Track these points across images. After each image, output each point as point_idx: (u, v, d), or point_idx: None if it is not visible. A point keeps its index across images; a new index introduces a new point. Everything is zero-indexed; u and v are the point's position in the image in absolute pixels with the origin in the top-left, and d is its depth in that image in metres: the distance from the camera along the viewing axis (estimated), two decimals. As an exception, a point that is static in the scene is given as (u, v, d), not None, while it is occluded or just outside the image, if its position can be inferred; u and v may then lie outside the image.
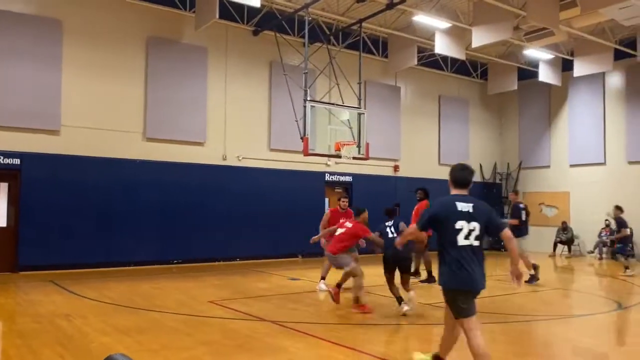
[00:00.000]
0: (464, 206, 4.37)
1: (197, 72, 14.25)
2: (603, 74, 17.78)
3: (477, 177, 20.38)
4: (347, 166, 16.19)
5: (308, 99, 12.59)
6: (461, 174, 4.59)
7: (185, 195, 13.80)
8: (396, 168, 18.19)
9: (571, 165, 19.02)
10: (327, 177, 16.57)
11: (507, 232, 4.42)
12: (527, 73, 18.95)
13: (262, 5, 13.09)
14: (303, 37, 13.69)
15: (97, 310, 7.64)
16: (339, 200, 10.62)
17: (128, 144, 13.22)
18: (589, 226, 17.84)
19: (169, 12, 13.90)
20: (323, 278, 9.80)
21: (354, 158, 13.18)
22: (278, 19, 14.86)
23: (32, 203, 11.87)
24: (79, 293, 9.11)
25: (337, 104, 13.43)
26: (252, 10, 14.62)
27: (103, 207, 12.70)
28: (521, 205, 11.63)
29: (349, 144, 12.94)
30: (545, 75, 17.91)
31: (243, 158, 14.99)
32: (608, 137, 18.06)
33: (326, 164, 16.36)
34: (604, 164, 18.12)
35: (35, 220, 11.86)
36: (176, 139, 13.90)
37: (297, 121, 12.93)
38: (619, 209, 13.31)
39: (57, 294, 9.10)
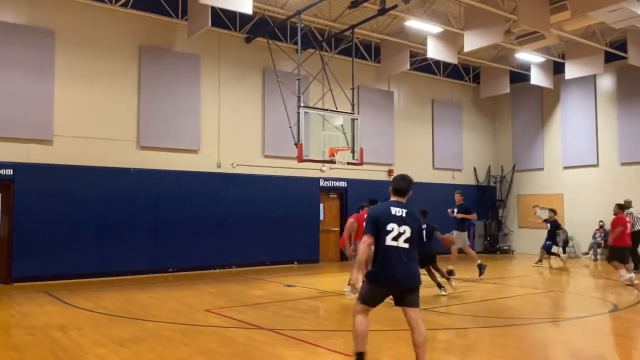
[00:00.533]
0: (397, 211, 4.87)
1: (190, 79, 14.24)
2: (594, 76, 17.90)
3: (471, 181, 20.54)
4: (342, 171, 16.21)
5: (301, 105, 12.61)
6: (400, 184, 5.07)
7: (180, 203, 13.76)
8: (390, 172, 18.20)
9: (564, 167, 19.10)
10: (322, 183, 16.57)
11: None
12: (519, 76, 19.06)
13: (254, 12, 13.11)
14: (296, 43, 13.72)
15: (93, 321, 7.59)
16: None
17: (122, 152, 13.17)
18: (583, 227, 17.90)
19: (161, 20, 13.90)
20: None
21: (349, 163, 13.19)
22: (270, 26, 14.88)
23: (25, 213, 11.80)
24: (73, 304, 9.05)
25: (330, 110, 13.46)
26: (244, 18, 14.64)
27: (97, 216, 12.63)
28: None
29: (343, 150, 12.95)
30: (537, 78, 18.01)
31: (237, 165, 14.97)
32: (600, 139, 18.17)
33: (320, 169, 16.36)
34: (597, 165, 18.21)
35: (29, 230, 11.78)
36: (170, 147, 13.87)
37: (290, 127, 12.94)
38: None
39: (51, 305, 9.04)
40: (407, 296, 4.88)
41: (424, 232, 8.29)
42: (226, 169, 14.78)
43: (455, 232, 12.12)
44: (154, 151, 13.64)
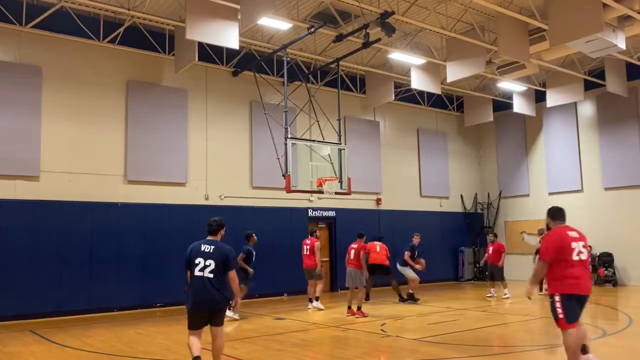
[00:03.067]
0: (205, 247, 6.10)
1: (177, 113, 14.34)
2: (575, 104, 18.29)
3: (458, 208, 20.68)
4: (330, 201, 16.25)
5: (289, 136, 12.72)
6: (210, 226, 6.32)
7: (168, 237, 13.67)
8: (378, 201, 18.30)
9: (550, 193, 19.32)
10: (310, 213, 16.59)
11: (232, 273, 6.08)
12: (502, 105, 19.43)
13: (240, 46, 13.31)
14: (282, 76, 13.90)
15: (79, 360, 7.46)
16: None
17: (109, 187, 13.14)
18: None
19: (148, 55, 14.05)
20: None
21: (337, 193, 13.24)
22: (257, 60, 15.10)
23: (10, 250, 11.63)
24: (60, 342, 8.89)
25: (317, 141, 13.58)
26: (231, 52, 14.85)
27: (84, 252, 12.50)
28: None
29: (330, 180, 13.02)
30: (520, 106, 18.37)
31: (225, 197, 14.97)
32: (584, 165, 18.46)
33: (309, 199, 16.42)
34: (581, 191, 18.47)
35: (13, 267, 11.59)
36: (158, 181, 13.86)
37: (278, 159, 13.02)
38: None
39: (37, 344, 8.87)
40: (213, 316, 6.03)
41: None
42: (214, 201, 14.77)
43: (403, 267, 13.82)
44: (142, 185, 13.61)
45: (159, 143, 13.90)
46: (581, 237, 5.80)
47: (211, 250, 6.03)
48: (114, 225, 12.96)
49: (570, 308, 5.68)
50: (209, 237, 6.25)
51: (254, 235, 11.91)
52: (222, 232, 6.39)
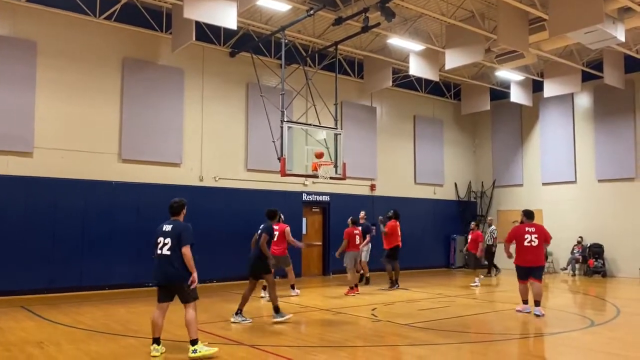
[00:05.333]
0: (166, 227, 6.51)
1: (173, 93, 14.23)
2: (572, 95, 18.30)
3: (452, 196, 20.75)
4: (325, 186, 16.26)
5: (285, 119, 12.66)
6: (171, 207, 6.75)
7: (161, 217, 13.56)
8: (373, 187, 18.32)
9: (543, 184, 19.42)
10: (305, 197, 16.60)
11: (184, 249, 6.30)
12: (499, 94, 19.40)
13: (238, 27, 13.18)
14: (280, 58, 13.81)
15: (71, 337, 7.48)
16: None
17: (103, 165, 13.07)
18: (561, 243, 18.16)
19: (145, 33, 13.90)
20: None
21: (331, 178, 13.22)
22: (255, 41, 14.98)
23: (2, 226, 11.60)
24: (51, 319, 8.91)
25: (314, 125, 13.52)
26: (228, 32, 14.72)
27: (77, 229, 12.49)
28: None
29: (326, 164, 13.00)
30: (517, 95, 18.36)
31: (220, 179, 14.94)
32: (578, 156, 18.53)
33: (303, 184, 16.41)
34: (575, 182, 18.55)
35: (5, 243, 11.58)
36: (152, 160, 13.80)
37: (274, 142, 12.98)
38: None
39: (28, 320, 8.89)
40: (176, 292, 6.44)
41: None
42: (208, 182, 14.74)
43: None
44: (136, 164, 13.56)
45: (154, 122, 13.81)
46: (537, 231, 9.56)
47: (169, 229, 6.43)
48: (107, 204, 12.93)
49: (520, 272, 9.78)
50: (171, 218, 6.68)
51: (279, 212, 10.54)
52: (184, 211, 6.80)
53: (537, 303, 9.50)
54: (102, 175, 12.99)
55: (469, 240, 15.31)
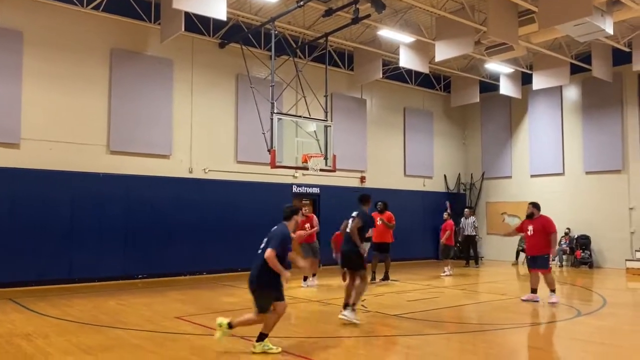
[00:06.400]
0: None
1: (162, 84, 14.12)
2: (560, 88, 18.39)
3: (441, 188, 20.84)
4: (315, 178, 16.25)
5: (275, 111, 12.64)
6: (284, 211, 6.64)
7: (151, 209, 13.60)
8: (363, 179, 18.35)
9: (532, 176, 19.55)
10: (295, 189, 16.59)
11: (267, 252, 6.06)
12: (489, 86, 19.46)
13: (228, 18, 13.08)
14: (269, 50, 13.74)
15: (60, 329, 7.44)
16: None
17: (91, 157, 12.96)
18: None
19: (133, 23, 13.76)
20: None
21: (321, 170, 13.26)
22: (244, 32, 14.88)
23: (-10, 218, 11.51)
24: (39, 311, 8.86)
25: (304, 117, 13.52)
26: (218, 23, 14.60)
27: (65, 221, 12.38)
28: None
29: (316, 156, 13.01)
30: (506, 88, 18.42)
31: (209, 171, 14.88)
32: (566, 149, 18.66)
33: (293, 175, 16.40)
34: (562, 174, 18.70)
35: (-7, 236, 11.49)
36: (141, 152, 13.71)
37: (264, 133, 12.95)
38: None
39: (16, 312, 8.82)
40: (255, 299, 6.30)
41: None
42: (198, 174, 14.68)
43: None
44: (125, 156, 13.45)
45: (142, 113, 13.71)
46: (537, 222, 10.21)
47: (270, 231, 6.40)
48: (96, 196, 12.83)
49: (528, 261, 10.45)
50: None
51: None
52: (296, 217, 6.65)
53: (550, 291, 10.03)
54: (90, 167, 12.88)
55: (447, 234, 15.51)
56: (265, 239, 6.31)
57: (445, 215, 16.23)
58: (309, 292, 11.50)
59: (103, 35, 13.31)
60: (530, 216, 10.40)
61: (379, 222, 12.58)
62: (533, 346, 6.96)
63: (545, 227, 10.06)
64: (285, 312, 6.45)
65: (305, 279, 12.21)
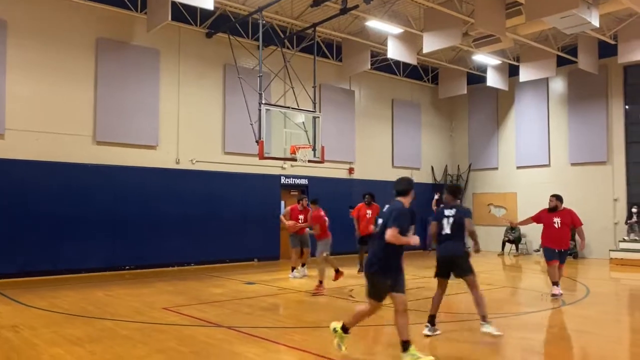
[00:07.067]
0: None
1: (149, 74, 14.01)
2: (547, 80, 18.54)
3: (429, 179, 20.96)
4: (303, 169, 16.27)
5: (263, 102, 12.60)
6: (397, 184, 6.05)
7: (138, 200, 13.53)
8: (351, 170, 18.39)
9: (518, 167, 19.73)
10: (283, 180, 16.59)
11: (387, 233, 5.46)
12: (476, 78, 19.55)
13: (215, 7, 12.99)
14: (257, 40, 13.68)
15: (47, 321, 7.42)
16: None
17: (77, 147, 12.85)
18: (535, 226, 18.47)
19: (119, 13, 13.60)
20: None
21: (310, 161, 13.26)
22: (232, 22, 14.79)
23: (-26, 210, 11.39)
24: (27, 303, 8.81)
25: (292, 107, 13.49)
26: (205, 13, 14.49)
27: (52, 212, 12.28)
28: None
29: (304, 147, 13.01)
30: (493, 80, 18.52)
31: (197, 161, 14.82)
32: (552, 140, 18.84)
33: (282, 167, 16.40)
34: (548, 165, 18.89)
35: (-23, 227, 11.37)
36: (127, 143, 13.61)
37: (252, 124, 12.92)
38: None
39: (3, 304, 8.77)
40: None
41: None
42: (185, 165, 14.62)
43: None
44: (111, 147, 13.36)
45: (129, 104, 13.60)
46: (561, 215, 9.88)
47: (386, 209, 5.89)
48: (82, 187, 12.75)
49: (549, 253, 9.81)
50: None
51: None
52: (413, 191, 5.98)
53: (554, 284, 9.65)
54: (77, 158, 12.77)
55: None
56: (380, 220, 5.67)
57: (433, 206, 15.90)
58: (296, 282, 11.54)
59: (88, 24, 13.15)
60: (553, 209, 9.84)
61: (368, 215, 12.48)
62: (518, 335, 7.07)
63: (574, 221, 9.72)
64: (403, 308, 5.68)
65: (293, 269, 12.25)
